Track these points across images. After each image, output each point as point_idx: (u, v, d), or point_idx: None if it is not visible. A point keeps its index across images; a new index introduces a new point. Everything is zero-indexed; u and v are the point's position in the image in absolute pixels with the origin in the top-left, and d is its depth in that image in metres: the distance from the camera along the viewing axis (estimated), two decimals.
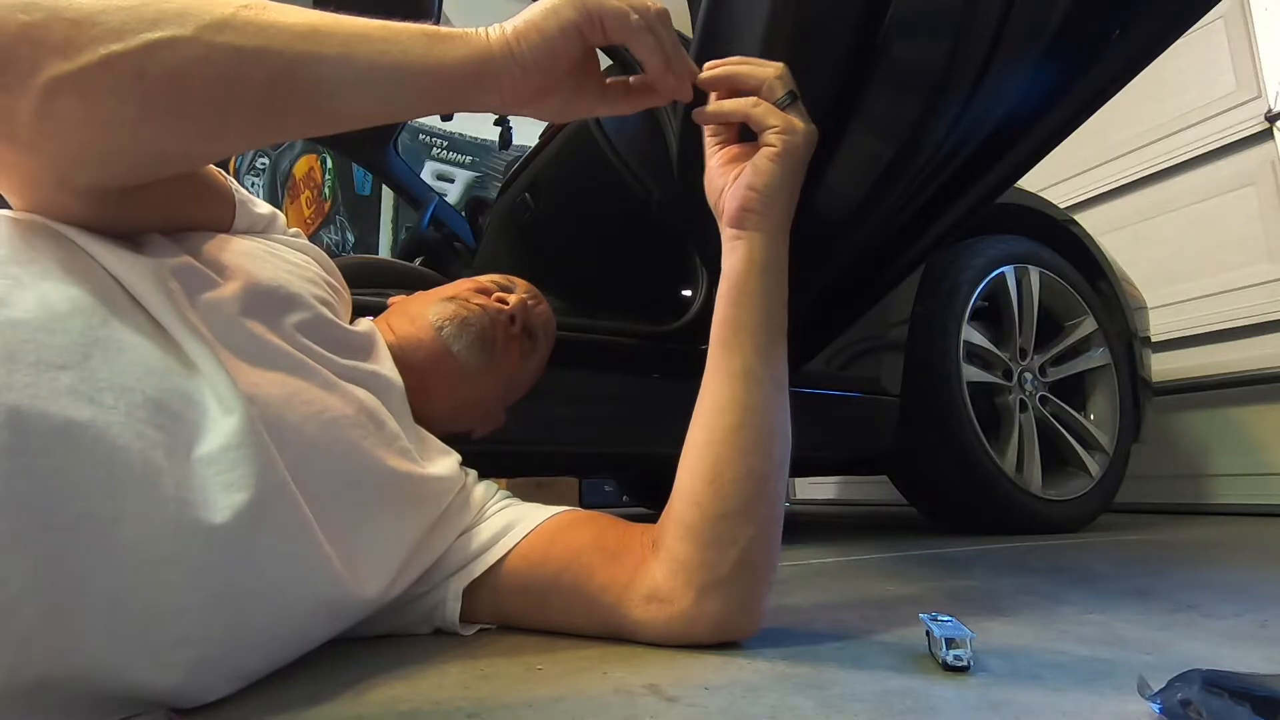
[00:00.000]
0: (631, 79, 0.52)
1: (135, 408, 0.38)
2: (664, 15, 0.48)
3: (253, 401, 0.44)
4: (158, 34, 0.37)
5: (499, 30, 0.45)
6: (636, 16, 0.46)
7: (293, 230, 0.64)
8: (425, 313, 0.70)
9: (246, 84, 0.40)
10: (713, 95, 0.55)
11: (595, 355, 1.13)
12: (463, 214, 2.13)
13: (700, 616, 0.53)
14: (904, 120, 0.71)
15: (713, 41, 0.78)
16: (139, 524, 0.36)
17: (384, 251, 3.63)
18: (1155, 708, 0.37)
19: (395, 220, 3.72)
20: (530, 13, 0.45)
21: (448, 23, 1.87)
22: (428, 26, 0.44)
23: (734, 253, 0.54)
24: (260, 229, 0.59)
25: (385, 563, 0.53)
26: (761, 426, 0.54)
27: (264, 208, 0.60)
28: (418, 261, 1.94)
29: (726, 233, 0.54)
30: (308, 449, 0.47)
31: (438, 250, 2.04)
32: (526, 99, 0.47)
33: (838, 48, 0.67)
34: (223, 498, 0.40)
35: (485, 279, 0.77)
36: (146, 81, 0.38)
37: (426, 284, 1.24)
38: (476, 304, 0.72)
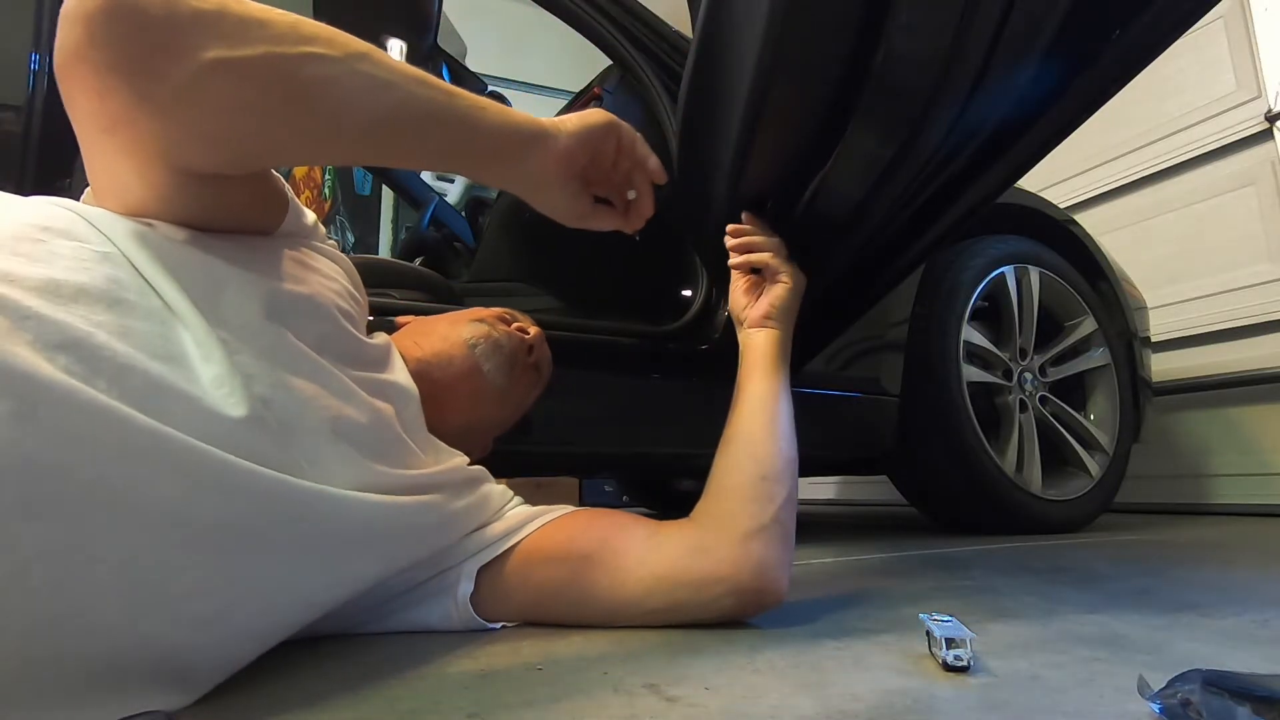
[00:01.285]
0: (630, 195, 0.65)
1: (133, 390, 0.38)
2: None
3: (267, 404, 0.45)
4: (312, 48, 0.45)
5: (548, 119, 0.58)
6: (642, 143, 0.63)
7: (332, 240, 0.65)
8: (457, 332, 0.75)
9: (371, 106, 0.48)
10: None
11: (595, 355, 1.13)
12: (463, 214, 2.13)
13: (745, 558, 0.60)
14: (904, 120, 0.71)
15: (713, 42, 0.78)
16: (150, 488, 0.37)
17: (384, 251, 3.63)
18: (1155, 708, 0.37)
19: (395, 220, 3.71)
20: (572, 114, 0.58)
21: (447, 23, 1.87)
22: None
23: (758, 334, 0.76)
24: (303, 236, 0.60)
25: (392, 536, 0.54)
26: (786, 426, 0.69)
27: (309, 216, 0.61)
28: (418, 261, 1.94)
29: (754, 327, 0.77)
30: (319, 451, 0.47)
31: (438, 250, 2.04)
32: (555, 172, 0.57)
33: (838, 47, 0.67)
34: (232, 472, 0.40)
35: (500, 310, 0.83)
36: (293, 82, 0.45)
37: (426, 284, 1.24)
38: (503, 330, 0.78)
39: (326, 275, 0.59)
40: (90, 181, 0.50)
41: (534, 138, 0.56)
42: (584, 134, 0.58)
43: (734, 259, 0.79)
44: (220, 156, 0.48)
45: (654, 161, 0.63)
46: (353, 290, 0.62)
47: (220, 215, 0.52)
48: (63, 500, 0.34)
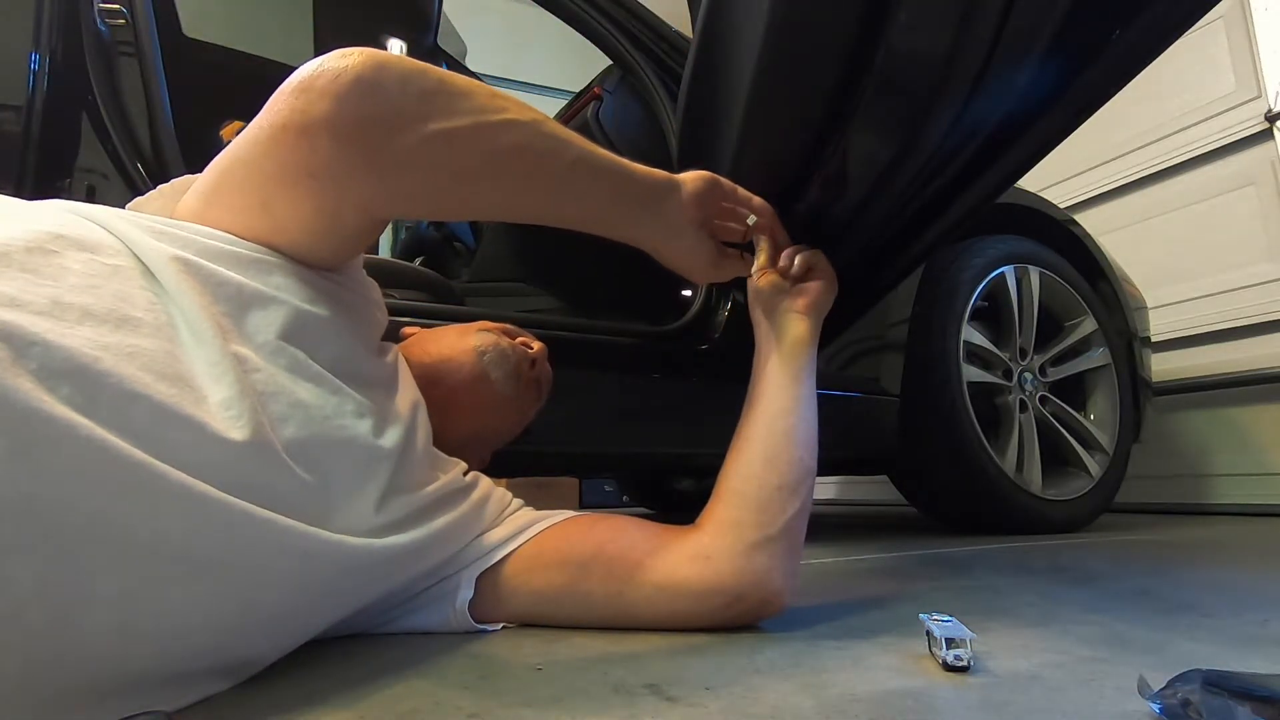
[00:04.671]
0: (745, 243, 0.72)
1: (135, 419, 0.37)
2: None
3: (282, 423, 0.44)
4: (509, 116, 0.52)
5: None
6: (740, 188, 0.69)
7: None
8: (466, 340, 0.77)
9: (553, 165, 0.55)
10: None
11: (594, 355, 1.14)
12: None
13: (748, 569, 0.59)
14: (904, 120, 0.71)
15: (713, 42, 0.78)
16: (150, 525, 0.36)
17: (384, 251, 3.63)
18: (1155, 708, 0.37)
19: (395, 220, 3.71)
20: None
21: (447, 23, 1.86)
22: None
23: (798, 325, 0.71)
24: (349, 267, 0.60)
25: (396, 567, 0.54)
26: (810, 432, 0.67)
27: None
28: (418, 261, 1.95)
29: (789, 316, 0.71)
30: (330, 470, 0.47)
31: (438, 250, 2.05)
32: (690, 216, 0.63)
33: (837, 48, 0.67)
34: (232, 512, 0.40)
35: (504, 325, 0.84)
36: (497, 145, 0.52)
37: (426, 284, 1.24)
38: (507, 342, 0.79)
39: (349, 299, 0.58)
40: (216, 195, 0.52)
41: (670, 182, 0.62)
42: (701, 182, 0.64)
43: (805, 255, 0.73)
44: (418, 209, 0.59)
45: (757, 200, 0.70)
46: (373, 312, 0.62)
47: (346, 253, 0.56)
48: (60, 538, 0.33)
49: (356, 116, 0.47)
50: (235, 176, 0.51)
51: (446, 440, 0.66)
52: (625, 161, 0.59)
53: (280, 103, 0.48)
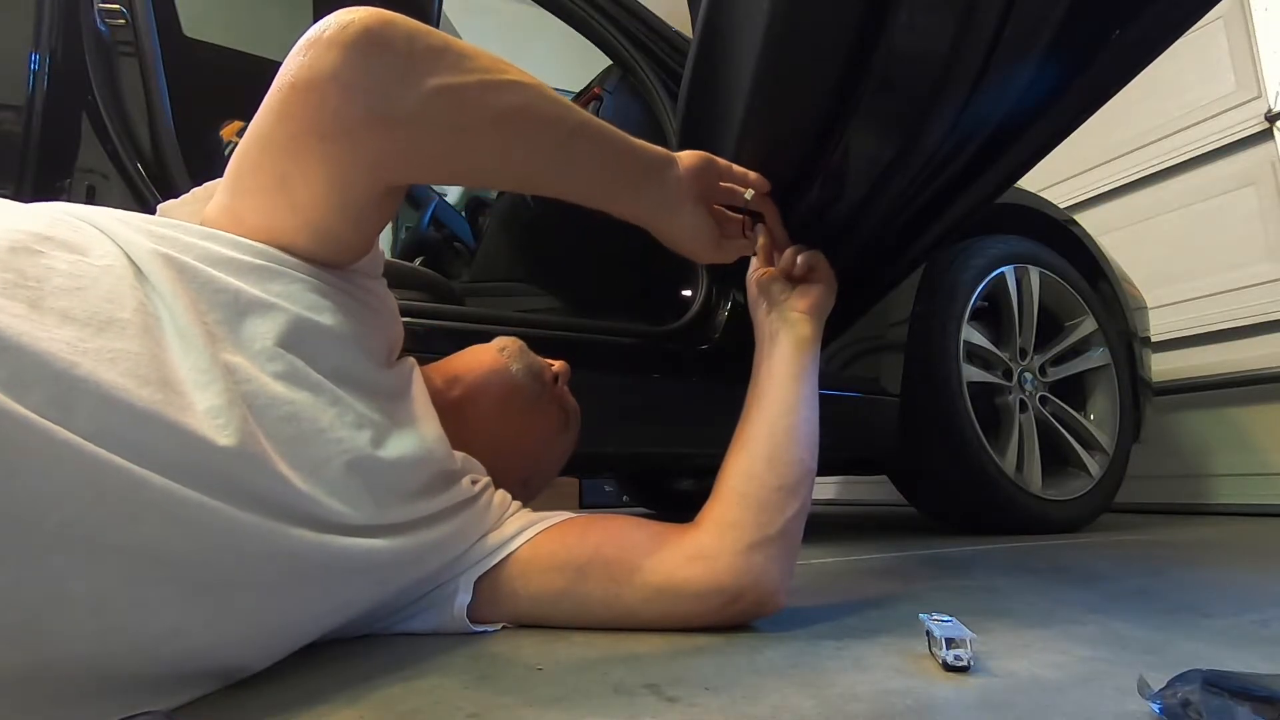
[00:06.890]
0: (745, 228, 0.73)
1: (114, 425, 0.36)
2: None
3: (274, 434, 0.44)
4: (513, 77, 0.53)
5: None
6: (736, 165, 0.70)
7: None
8: (488, 345, 0.78)
9: (557, 129, 0.56)
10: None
11: (595, 355, 1.14)
12: (463, 214, 2.14)
13: (747, 569, 0.59)
14: (904, 120, 0.71)
15: (713, 41, 0.78)
16: (126, 531, 0.36)
17: (384, 251, 3.62)
18: (1155, 708, 0.37)
19: (395, 220, 3.71)
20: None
21: (447, 23, 1.86)
22: None
23: (801, 324, 0.72)
24: (362, 271, 0.60)
25: (391, 572, 0.54)
26: (811, 432, 0.67)
27: (379, 252, 0.63)
28: (418, 261, 1.94)
29: (792, 315, 0.72)
30: (326, 483, 0.47)
31: (438, 250, 2.04)
32: (688, 190, 0.64)
33: (837, 48, 0.67)
34: (214, 515, 0.39)
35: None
36: (502, 104, 0.53)
37: (427, 284, 1.24)
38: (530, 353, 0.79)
39: (359, 309, 0.57)
40: (238, 183, 0.53)
41: (668, 157, 0.63)
42: (697, 158, 0.65)
43: (806, 255, 0.74)
44: (425, 171, 0.58)
45: (753, 174, 0.70)
46: (387, 322, 0.61)
47: (361, 234, 0.56)
48: (30, 545, 0.33)
49: (364, 66, 0.47)
50: (253, 154, 0.52)
51: (471, 454, 0.65)
52: (624, 134, 0.60)
53: (289, 62, 0.48)
